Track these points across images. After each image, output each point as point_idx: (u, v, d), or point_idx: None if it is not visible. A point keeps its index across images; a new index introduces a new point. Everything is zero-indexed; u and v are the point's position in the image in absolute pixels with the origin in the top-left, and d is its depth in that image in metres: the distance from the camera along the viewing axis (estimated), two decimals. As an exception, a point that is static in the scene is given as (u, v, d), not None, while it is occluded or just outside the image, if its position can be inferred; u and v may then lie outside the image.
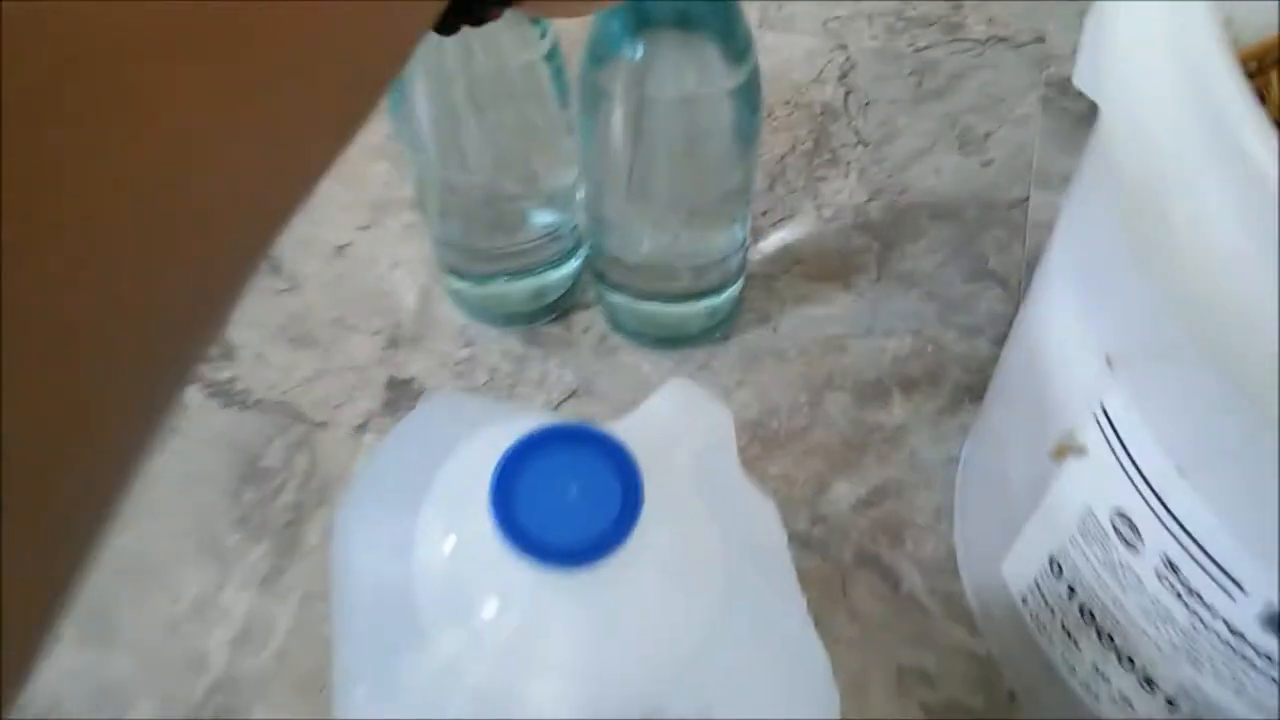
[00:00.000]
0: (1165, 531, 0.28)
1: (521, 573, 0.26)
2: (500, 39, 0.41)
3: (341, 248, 0.55)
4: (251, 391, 0.50)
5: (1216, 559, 0.26)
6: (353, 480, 0.32)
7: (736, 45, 0.39)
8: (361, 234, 0.55)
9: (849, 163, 0.57)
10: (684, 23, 0.38)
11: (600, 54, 0.39)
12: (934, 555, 0.45)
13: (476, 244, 0.48)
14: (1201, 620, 0.28)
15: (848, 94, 0.59)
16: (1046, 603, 0.36)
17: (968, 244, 0.53)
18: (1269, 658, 0.26)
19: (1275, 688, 0.27)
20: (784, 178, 0.56)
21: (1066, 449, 0.31)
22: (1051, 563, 0.34)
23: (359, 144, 0.57)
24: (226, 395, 0.50)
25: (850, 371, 0.50)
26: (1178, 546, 0.27)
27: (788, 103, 0.59)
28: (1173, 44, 0.24)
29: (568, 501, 0.25)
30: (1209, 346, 0.24)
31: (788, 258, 0.54)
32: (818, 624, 0.40)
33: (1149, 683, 0.32)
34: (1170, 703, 0.32)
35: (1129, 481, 0.29)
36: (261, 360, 0.51)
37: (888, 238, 0.54)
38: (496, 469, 0.26)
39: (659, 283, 0.48)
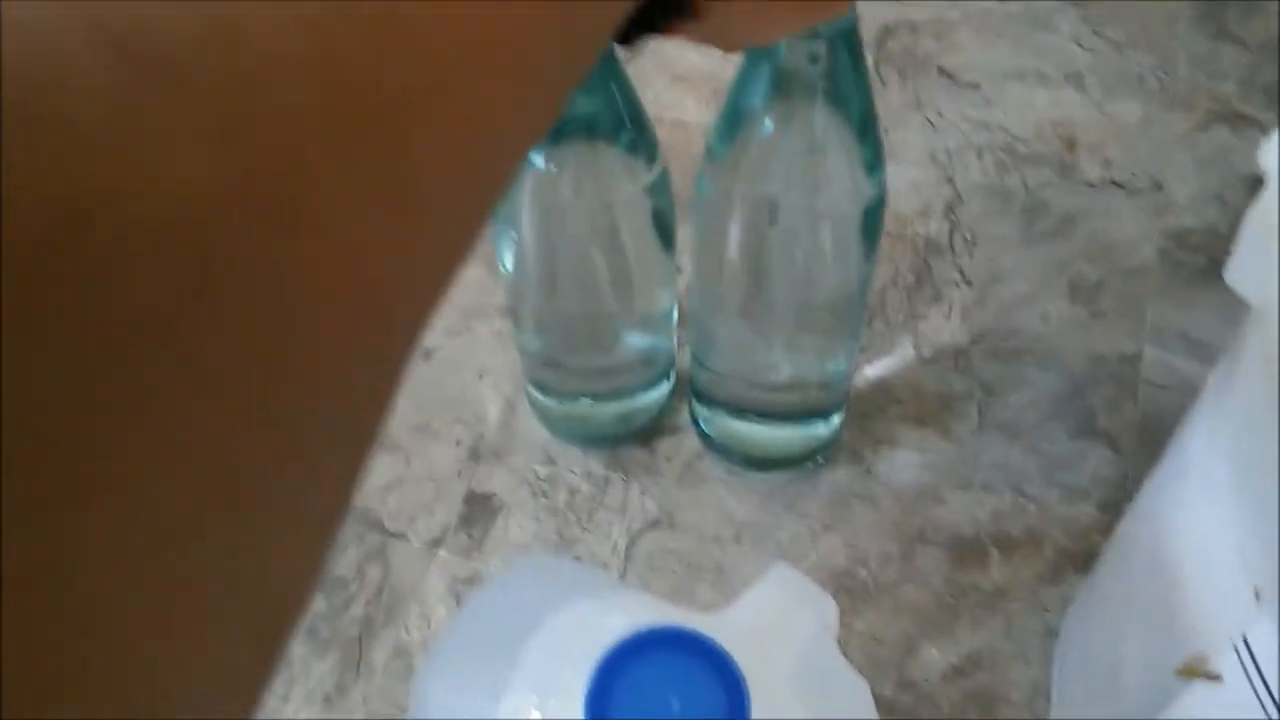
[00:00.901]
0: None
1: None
2: (607, 171, 0.40)
3: (430, 351, 0.54)
4: (329, 495, 0.49)
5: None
6: (436, 642, 0.31)
7: (867, 163, 0.38)
8: (451, 339, 0.54)
9: (952, 301, 0.55)
10: (821, 120, 0.37)
11: (726, 157, 0.38)
12: (1028, 735, 0.42)
13: (566, 361, 0.47)
14: None
15: (953, 229, 0.58)
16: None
17: (1075, 398, 0.51)
18: None
19: None
20: (883, 312, 0.55)
21: (1196, 672, 0.29)
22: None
23: None
24: (304, 498, 0.49)
25: (945, 525, 0.48)
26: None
27: (890, 234, 0.58)
28: None
29: (668, 715, 0.24)
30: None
31: (884, 396, 0.52)
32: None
33: None
34: None
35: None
36: (342, 463, 0.50)
37: (990, 384, 0.52)
38: (594, 674, 0.24)
39: (760, 400, 0.47)
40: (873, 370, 0.53)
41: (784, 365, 0.45)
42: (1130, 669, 0.35)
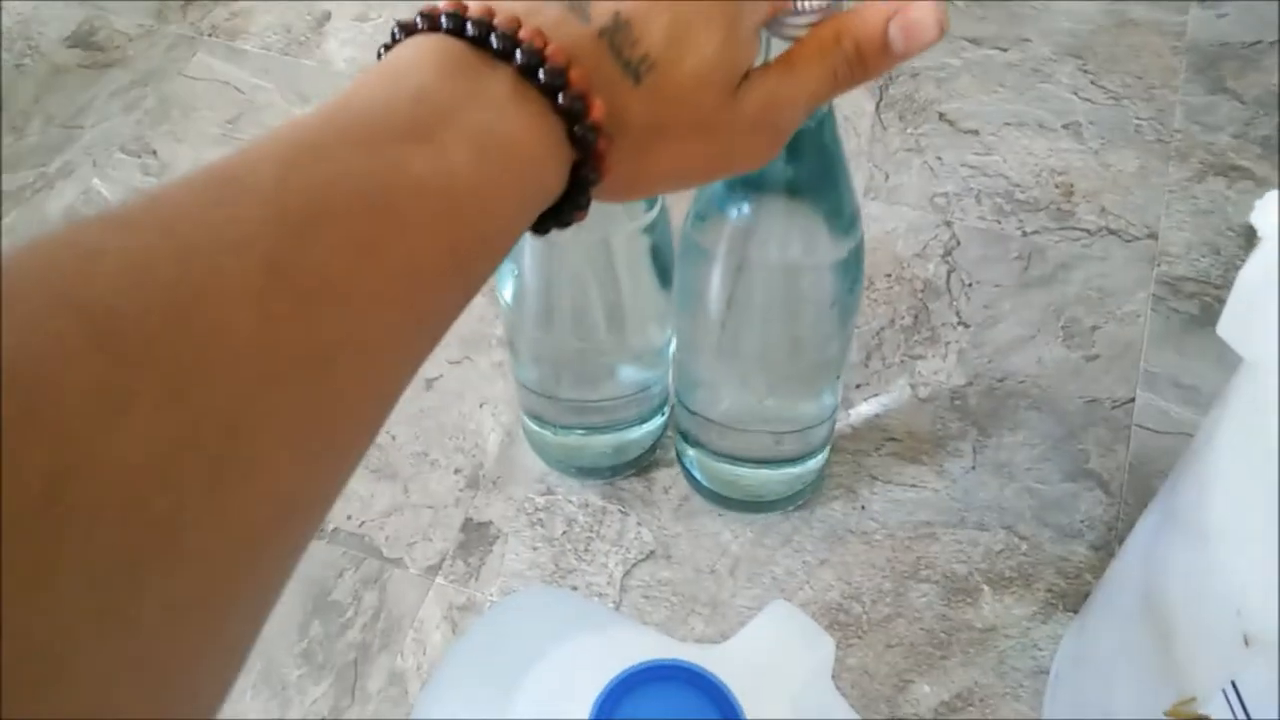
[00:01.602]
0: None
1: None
2: (607, 209, 0.41)
3: (431, 381, 0.55)
4: (329, 520, 0.50)
5: None
6: (434, 671, 0.31)
7: (844, 218, 0.39)
8: (452, 368, 0.55)
9: (948, 343, 0.56)
10: (793, 190, 0.38)
11: (705, 213, 0.39)
12: (1017, 774, 0.43)
13: (561, 394, 0.48)
14: None
15: (950, 272, 0.59)
16: None
17: (1068, 440, 0.52)
18: None
19: None
20: (880, 351, 0.56)
21: (1186, 715, 0.29)
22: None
23: None
24: (303, 522, 0.50)
25: (938, 562, 0.48)
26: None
27: (888, 275, 0.59)
28: None
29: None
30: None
31: (880, 434, 0.53)
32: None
33: None
34: None
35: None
36: (341, 496, 0.51)
37: (984, 425, 0.53)
38: (595, 707, 0.25)
39: (741, 445, 0.47)
40: (869, 408, 0.54)
41: (764, 411, 0.45)
42: (1121, 709, 0.35)
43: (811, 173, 0.37)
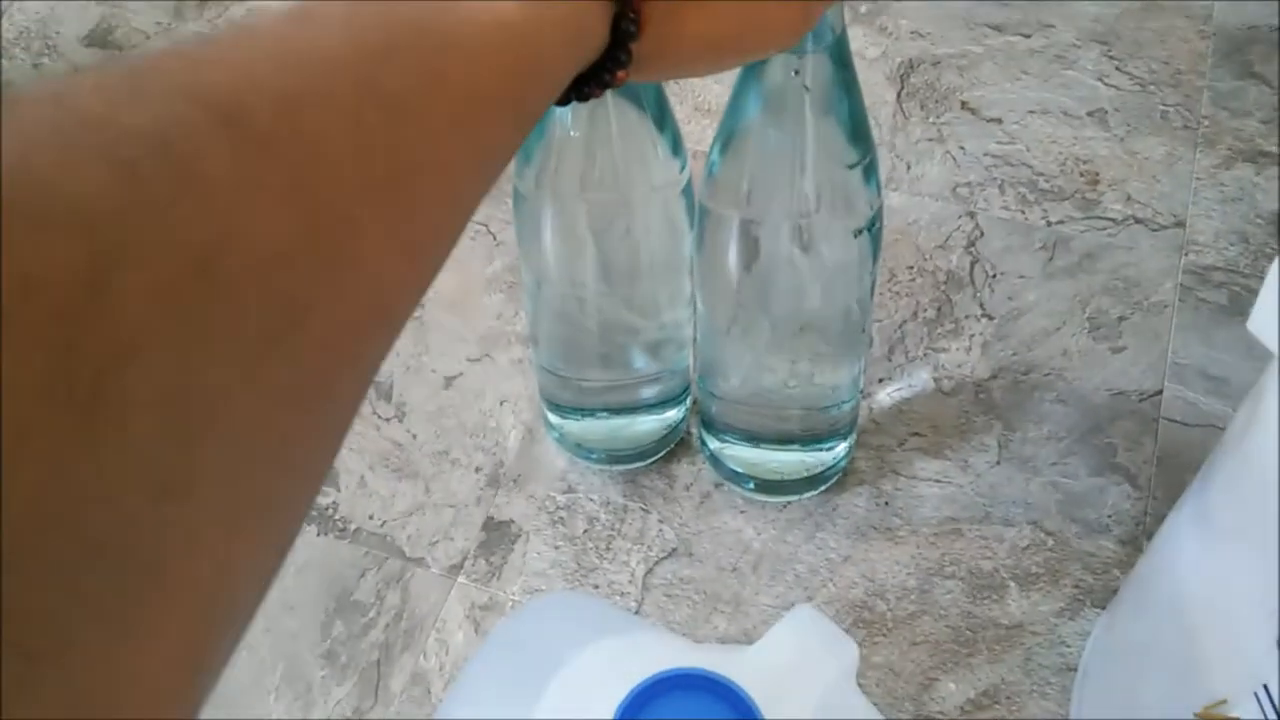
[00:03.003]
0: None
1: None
2: (640, 164, 0.41)
3: (451, 379, 0.54)
4: (351, 520, 0.50)
5: None
6: (459, 675, 0.31)
7: (863, 166, 0.39)
8: (472, 366, 0.55)
9: (972, 335, 0.55)
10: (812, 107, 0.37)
11: (721, 154, 0.39)
12: (1045, 772, 0.42)
13: (584, 378, 0.47)
14: None
15: (974, 263, 0.58)
16: None
17: (1095, 433, 0.51)
18: None
19: None
20: (903, 345, 0.55)
21: (1217, 717, 0.29)
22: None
23: (475, 275, 0.58)
24: (326, 521, 0.50)
25: (964, 559, 0.48)
26: None
27: (911, 267, 0.58)
28: None
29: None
30: None
31: (903, 429, 0.52)
32: None
33: None
34: None
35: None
36: (363, 488, 0.51)
37: (1009, 419, 0.52)
38: (618, 715, 0.24)
39: (763, 424, 0.47)
40: (892, 402, 0.53)
41: (786, 388, 0.45)
42: (1149, 709, 0.35)
43: (828, 98, 0.37)
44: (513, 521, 0.50)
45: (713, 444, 0.50)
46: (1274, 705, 0.27)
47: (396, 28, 0.19)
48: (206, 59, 0.16)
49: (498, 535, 0.49)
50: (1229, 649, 0.29)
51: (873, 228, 0.40)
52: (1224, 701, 0.30)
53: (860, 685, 0.42)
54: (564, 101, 0.26)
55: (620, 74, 0.25)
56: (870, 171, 0.39)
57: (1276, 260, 0.28)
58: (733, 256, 0.41)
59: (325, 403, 0.17)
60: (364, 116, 0.17)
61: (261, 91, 0.16)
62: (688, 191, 0.43)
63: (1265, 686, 0.27)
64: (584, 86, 0.25)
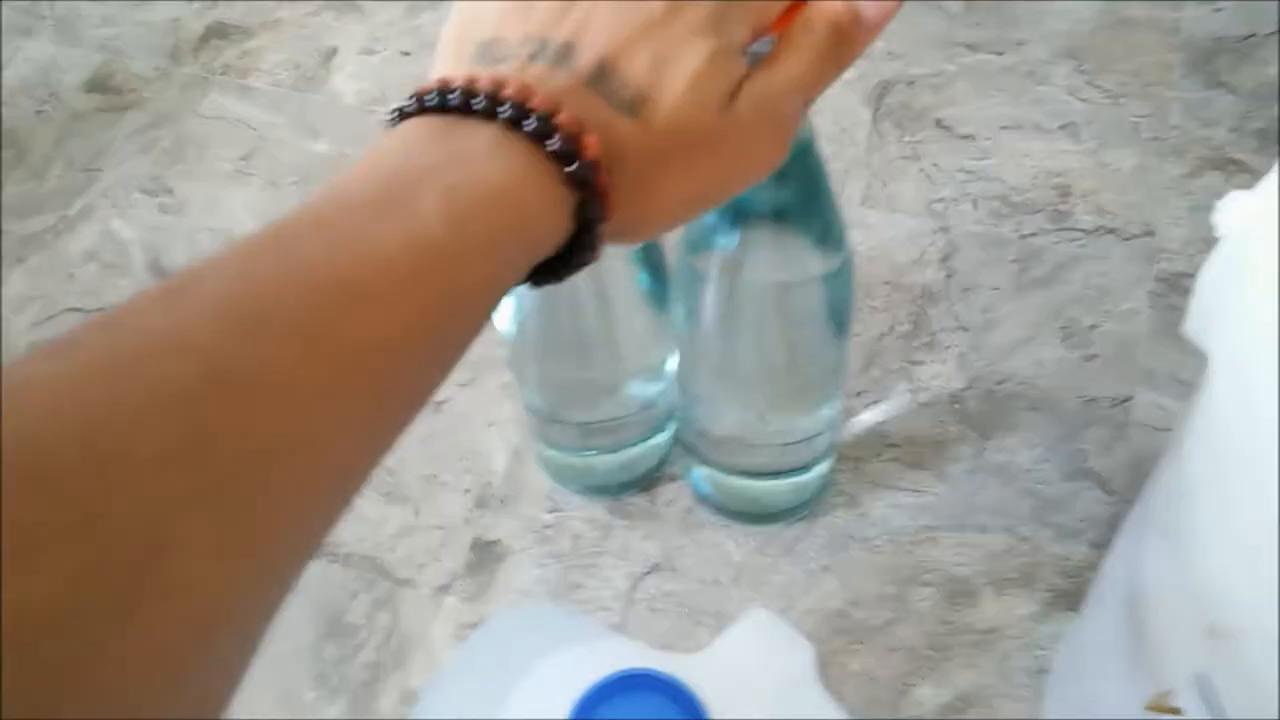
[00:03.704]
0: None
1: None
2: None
3: (440, 404, 0.56)
4: (342, 544, 0.51)
5: None
6: (430, 687, 0.33)
7: (830, 236, 0.40)
8: (460, 390, 0.56)
9: (947, 347, 0.56)
10: (779, 214, 0.39)
11: (697, 241, 0.40)
12: (1020, 773, 0.43)
13: (566, 417, 0.49)
14: None
15: (949, 277, 0.59)
16: None
17: (1067, 440, 0.52)
18: None
19: None
20: (880, 359, 0.56)
21: (1162, 708, 0.30)
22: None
23: None
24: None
25: (940, 566, 0.49)
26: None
27: (887, 283, 0.59)
28: None
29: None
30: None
31: (880, 441, 0.53)
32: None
33: None
34: None
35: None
36: (354, 513, 0.52)
37: (984, 428, 0.53)
38: (571, 716, 0.26)
39: (745, 458, 0.48)
40: (870, 415, 0.54)
41: (765, 426, 0.46)
42: (1107, 704, 0.36)
43: (796, 197, 0.38)
44: (500, 541, 0.51)
45: (693, 470, 0.51)
46: (1211, 695, 0.28)
47: (281, 287, 0.18)
48: (29, 381, 0.15)
49: (485, 555, 0.51)
50: (1170, 643, 0.30)
51: (842, 288, 0.41)
52: (1169, 692, 0.31)
53: (839, 692, 0.43)
54: (537, 283, 0.25)
55: (590, 255, 0.25)
56: (834, 234, 0.40)
57: (1205, 265, 0.29)
58: (709, 313, 0.41)
59: None
60: (202, 412, 0.16)
61: (68, 415, 0.15)
62: (651, 251, 0.44)
63: (1201, 675, 0.28)
64: (554, 269, 0.25)
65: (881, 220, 0.62)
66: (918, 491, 0.51)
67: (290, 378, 0.18)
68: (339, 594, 0.49)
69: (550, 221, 0.23)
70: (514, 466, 0.54)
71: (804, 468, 0.49)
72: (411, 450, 0.54)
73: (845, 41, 0.28)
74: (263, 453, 0.17)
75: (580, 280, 0.42)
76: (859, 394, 0.55)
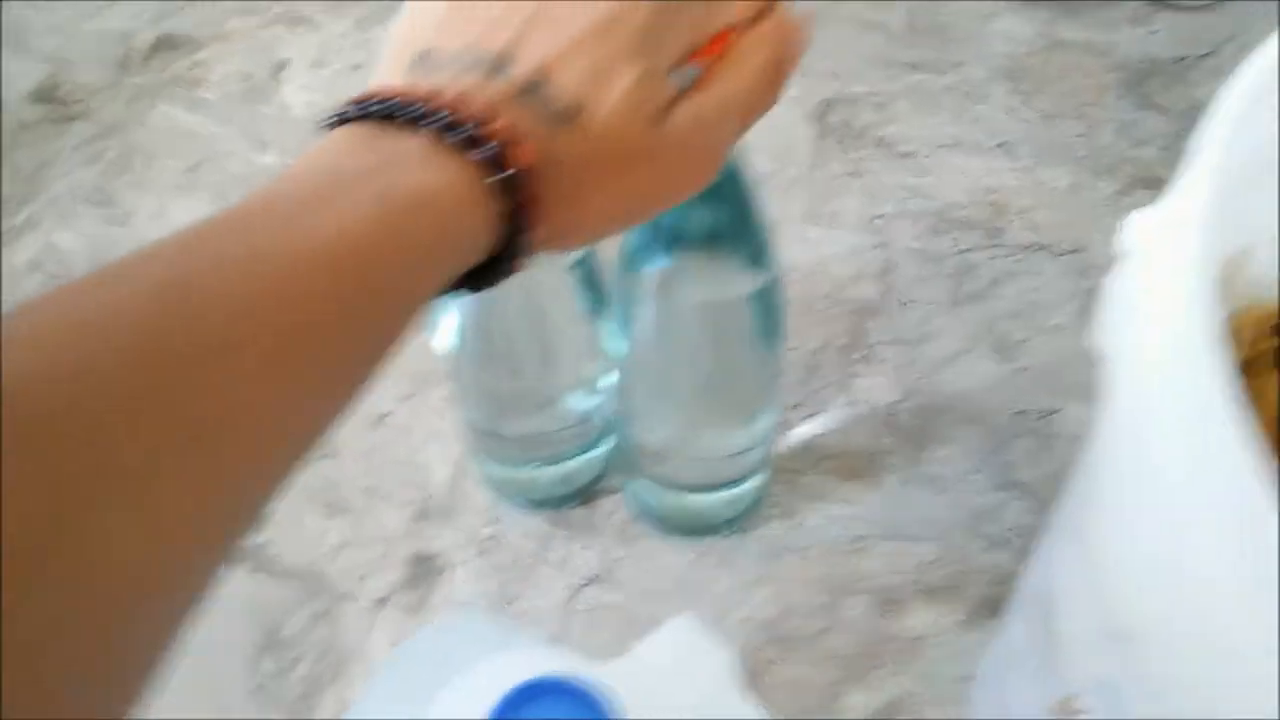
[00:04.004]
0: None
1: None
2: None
3: (382, 417, 0.56)
4: (281, 557, 0.51)
5: None
6: (358, 697, 0.33)
7: (760, 255, 0.41)
8: (402, 404, 0.57)
9: (883, 361, 0.58)
10: (709, 234, 0.40)
11: (630, 258, 0.41)
12: (945, 778, 0.44)
13: (504, 431, 0.49)
14: None
15: (887, 292, 0.60)
16: None
17: (997, 452, 0.53)
18: None
19: None
20: (818, 372, 0.57)
21: (1068, 710, 0.31)
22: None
23: None
24: (257, 559, 0.51)
25: (871, 576, 0.50)
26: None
27: (827, 297, 0.60)
28: (1175, 348, 0.25)
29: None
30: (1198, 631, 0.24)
31: (815, 453, 0.54)
32: None
33: None
34: None
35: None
36: (294, 525, 0.52)
37: (917, 439, 0.54)
38: (495, 698, 0.26)
39: (681, 472, 0.49)
40: (806, 428, 0.55)
41: (701, 441, 0.47)
42: (1023, 707, 0.37)
43: (725, 218, 0.39)
44: (440, 554, 0.52)
45: (631, 484, 0.51)
46: (1110, 697, 0.29)
47: (208, 271, 0.19)
48: None
49: (425, 568, 0.51)
50: (1073, 645, 0.31)
51: (773, 297, 0.42)
52: (1076, 696, 0.32)
53: (771, 699, 0.44)
54: (470, 288, 0.26)
55: (518, 264, 0.25)
56: (763, 253, 0.41)
57: (1105, 280, 0.31)
58: (643, 331, 0.42)
59: None
60: (131, 382, 0.17)
61: None
62: (585, 264, 0.44)
63: (1101, 679, 0.29)
64: (485, 275, 0.25)
65: (822, 236, 0.63)
66: (851, 503, 0.52)
67: (223, 354, 0.18)
68: (276, 608, 0.50)
69: (477, 228, 0.24)
70: (455, 479, 0.54)
71: (739, 480, 0.50)
72: (352, 463, 0.55)
73: (781, 69, 0.29)
74: (193, 424, 0.18)
75: (517, 292, 0.43)
76: (795, 406, 0.56)
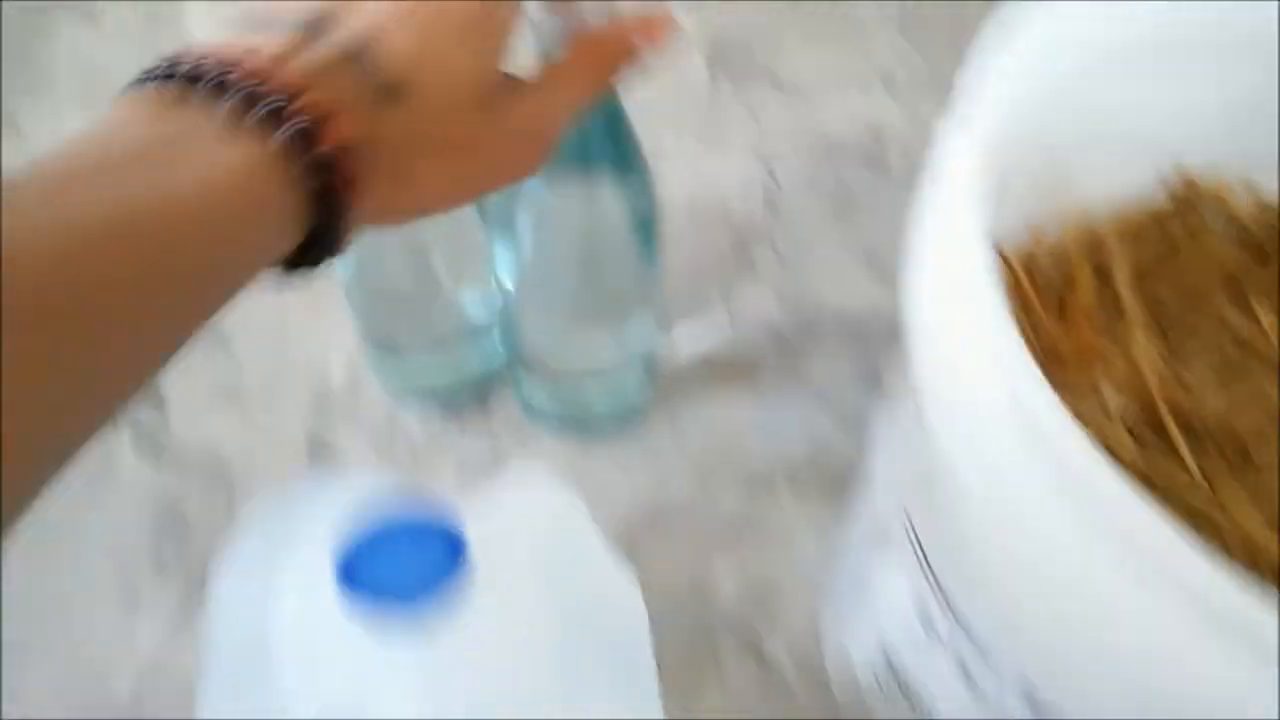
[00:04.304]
0: (949, 621, 0.31)
1: (361, 634, 0.29)
2: None
3: (281, 312, 0.58)
4: (183, 446, 0.53)
5: (980, 643, 0.30)
6: (235, 538, 0.36)
7: (630, 173, 0.43)
8: (300, 299, 0.59)
9: (766, 277, 0.61)
10: (585, 154, 0.42)
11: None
12: (801, 632, 0.48)
13: (396, 333, 0.52)
14: (979, 698, 0.31)
15: (771, 215, 0.64)
16: (883, 689, 0.39)
17: (866, 359, 0.57)
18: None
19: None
20: (704, 287, 0.61)
21: (883, 539, 0.35)
22: (881, 650, 0.37)
23: None
24: (156, 447, 0.53)
25: (745, 464, 0.53)
26: (954, 630, 0.31)
27: (714, 220, 0.64)
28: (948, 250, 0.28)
29: (400, 558, 0.28)
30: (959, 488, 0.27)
31: (700, 361, 0.58)
32: (690, 696, 0.43)
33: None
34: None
35: (924, 577, 0.32)
36: (193, 415, 0.54)
37: (794, 346, 0.58)
38: (343, 530, 0.29)
39: (566, 373, 0.52)
40: (690, 338, 0.58)
41: (584, 342, 0.50)
42: (856, 561, 0.41)
43: (597, 140, 0.41)
44: (336, 445, 0.54)
45: (521, 386, 0.54)
46: (913, 529, 0.33)
47: None
48: None
49: (321, 459, 0.53)
50: (889, 499, 0.35)
51: (648, 224, 0.45)
52: (887, 530, 0.35)
53: (646, 574, 0.47)
54: (297, 266, 0.25)
55: (341, 241, 0.25)
56: (636, 171, 0.43)
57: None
58: (525, 245, 0.45)
59: None
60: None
61: None
62: None
63: (909, 520, 0.33)
64: (305, 256, 0.24)
65: (712, 163, 0.66)
66: (730, 404, 0.56)
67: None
68: (176, 490, 0.52)
69: (283, 210, 0.23)
70: (351, 373, 0.56)
71: (624, 381, 0.53)
72: (252, 355, 0.57)
73: (612, 69, 0.30)
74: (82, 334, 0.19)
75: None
76: (681, 318, 0.59)
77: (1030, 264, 0.39)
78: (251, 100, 0.22)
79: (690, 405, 0.56)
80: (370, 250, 0.48)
